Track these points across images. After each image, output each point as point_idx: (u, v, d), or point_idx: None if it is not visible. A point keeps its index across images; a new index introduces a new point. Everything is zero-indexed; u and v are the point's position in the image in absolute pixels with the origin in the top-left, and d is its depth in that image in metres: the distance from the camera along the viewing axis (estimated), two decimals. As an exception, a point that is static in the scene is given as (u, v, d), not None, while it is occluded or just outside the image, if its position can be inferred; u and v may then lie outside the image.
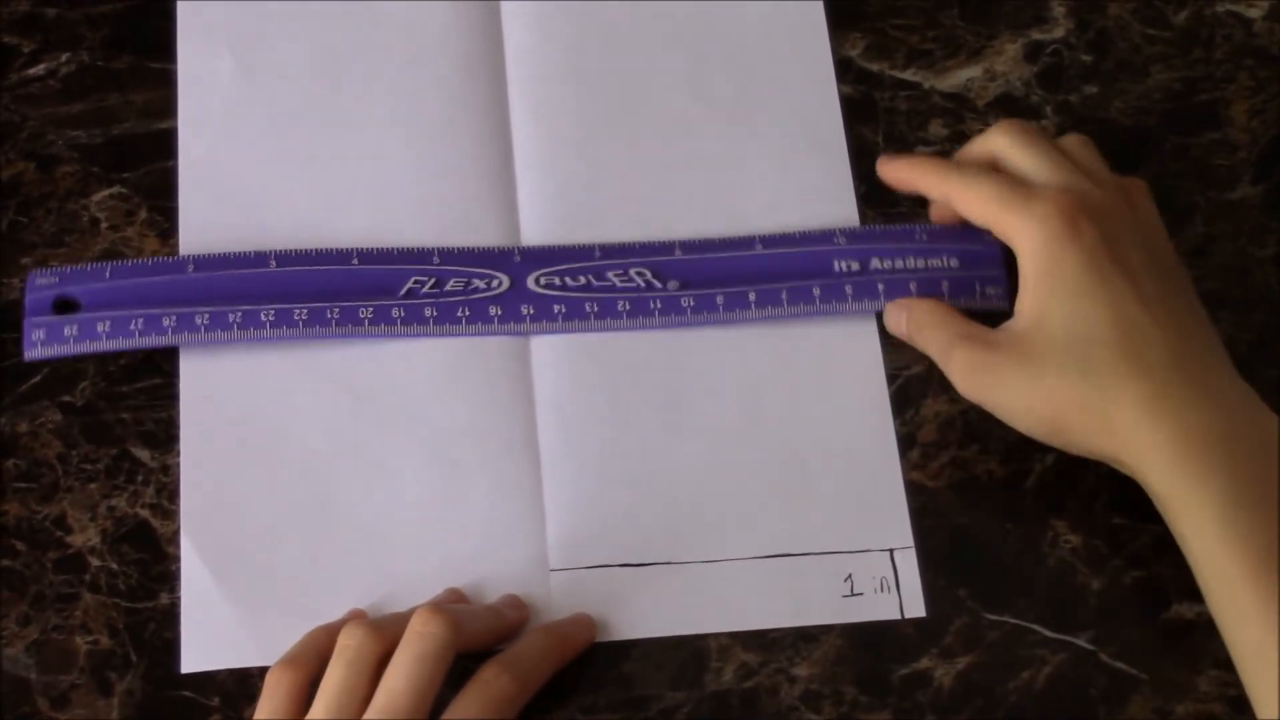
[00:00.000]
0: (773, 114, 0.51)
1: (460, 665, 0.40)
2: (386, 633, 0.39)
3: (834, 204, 0.50)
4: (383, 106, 0.51)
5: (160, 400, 0.47)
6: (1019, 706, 0.43)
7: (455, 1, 0.52)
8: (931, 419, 0.47)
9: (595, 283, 0.46)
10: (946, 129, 0.51)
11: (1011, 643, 0.44)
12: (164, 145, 0.50)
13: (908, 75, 0.52)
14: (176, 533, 0.45)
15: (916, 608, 0.44)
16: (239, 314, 0.46)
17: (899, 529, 0.45)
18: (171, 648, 0.44)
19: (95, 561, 0.45)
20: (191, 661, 0.43)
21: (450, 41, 0.52)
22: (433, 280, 0.46)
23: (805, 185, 0.50)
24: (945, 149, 0.51)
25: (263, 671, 0.41)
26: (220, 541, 0.45)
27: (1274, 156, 0.51)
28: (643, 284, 0.46)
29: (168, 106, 0.51)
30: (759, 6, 0.53)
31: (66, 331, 0.46)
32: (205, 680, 0.43)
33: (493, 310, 0.46)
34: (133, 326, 0.46)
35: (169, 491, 0.45)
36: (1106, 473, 0.44)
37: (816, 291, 0.47)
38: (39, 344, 0.46)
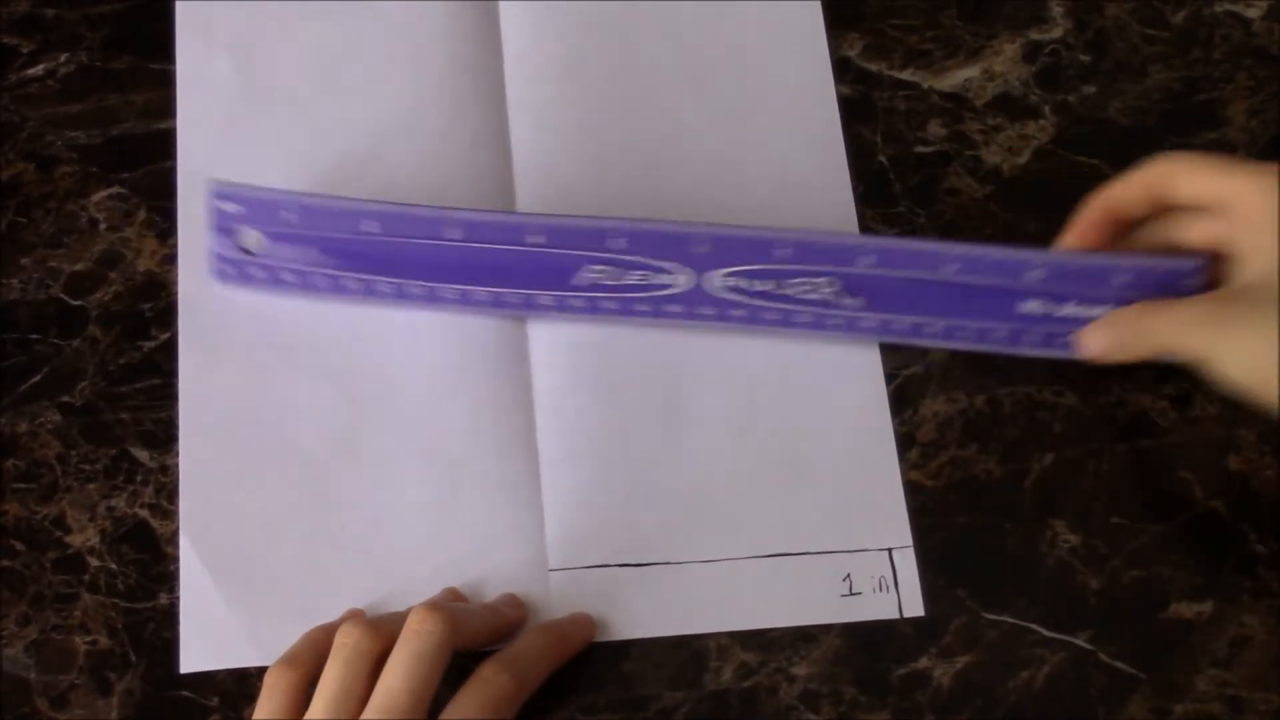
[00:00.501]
0: (771, 114, 0.51)
1: (460, 664, 0.40)
2: (384, 631, 0.39)
3: (832, 204, 0.50)
4: (381, 107, 0.51)
5: (160, 400, 0.47)
6: (1018, 706, 0.43)
7: (454, 1, 0.52)
8: (930, 419, 0.47)
9: (776, 292, 0.45)
10: (945, 129, 0.51)
11: (1010, 642, 0.44)
12: (163, 145, 0.50)
13: (906, 75, 0.52)
14: (176, 533, 0.45)
15: (915, 607, 0.44)
16: (423, 289, 0.45)
17: (897, 528, 0.45)
18: (171, 648, 0.44)
19: (94, 562, 0.45)
20: (190, 661, 0.43)
21: (449, 41, 0.52)
22: (611, 270, 0.45)
23: (804, 185, 0.50)
24: (944, 149, 0.51)
25: (262, 671, 0.41)
26: (219, 541, 0.45)
27: (1273, 156, 0.51)
28: (826, 297, 0.45)
29: (167, 107, 0.51)
30: (757, 6, 0.53)
31: (254, 273, 0.46)
32: (204, 680, 0.43)
33: (673, 309, 0.46)
34: (319, 284, 0.46)
35: (168, 492, 0.45)
36: (1106, 472, 0.44)
37: (1004, 333, 0.45)
38: (228, 276, 0.46)
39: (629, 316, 0.46)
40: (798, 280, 0.44)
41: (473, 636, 0.41)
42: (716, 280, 0.44)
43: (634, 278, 0.44)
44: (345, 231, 0.44)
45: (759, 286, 0.44)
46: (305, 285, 0.46)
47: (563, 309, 0.46)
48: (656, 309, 0.45)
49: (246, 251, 0.45)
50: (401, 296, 0.46)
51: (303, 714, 0.39)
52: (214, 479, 0.46)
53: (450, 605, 0.40)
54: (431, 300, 0.46)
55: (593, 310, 0.46)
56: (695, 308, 0.45)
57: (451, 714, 0.38)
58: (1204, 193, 0.42)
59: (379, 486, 0.46)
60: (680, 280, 0.44)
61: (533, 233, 0.44)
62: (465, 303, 0.46)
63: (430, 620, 0.38)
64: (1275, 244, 0.39)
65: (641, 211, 0.49)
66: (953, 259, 0.44)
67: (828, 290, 0.44)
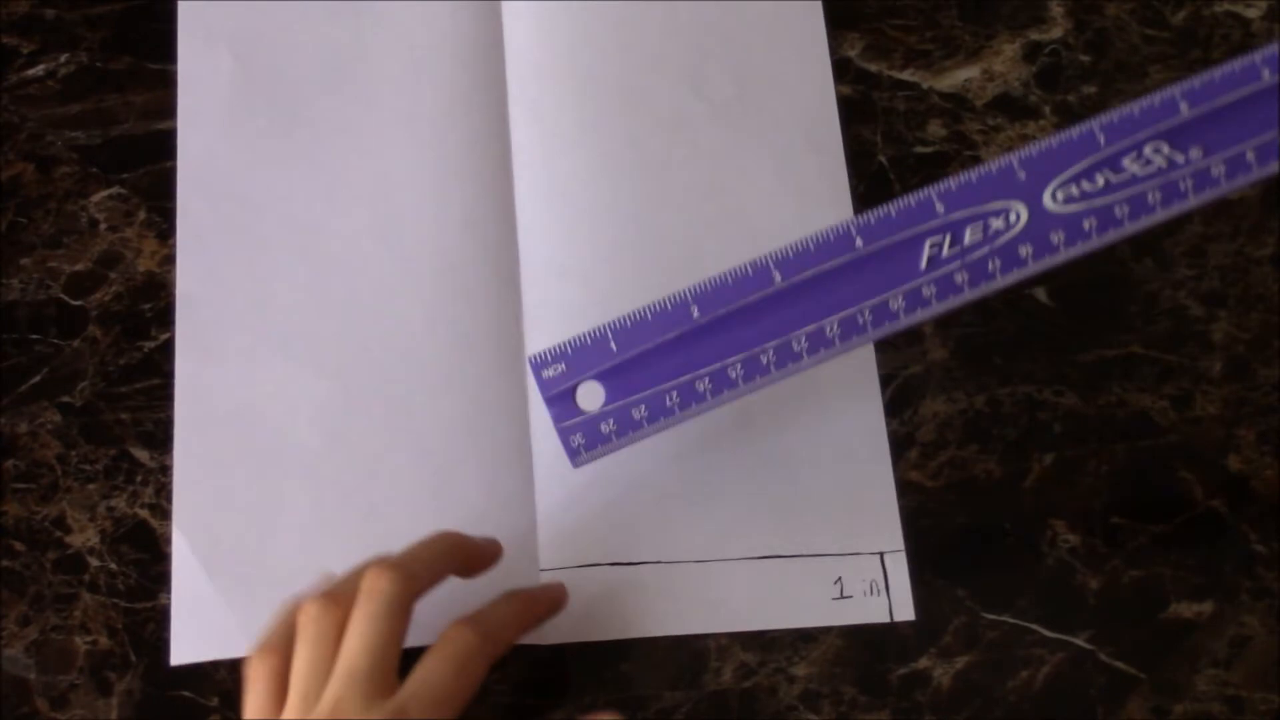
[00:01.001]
0: (771, 114, 0.51)
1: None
2: (343, 598, 0.38)
3: (832, 204, 0.50)
4: (383, 106, 0.51)
5: (159, 400, 0.47)
6: (1017, 706, 0.43)
7: (455, 1, 0.52)
8: (930, 419, 0.47)
9: (1114, 179, 0.40)
10: (945, 129, 0.51)
11: (1010, 642, 0.44)
12: (163, 146, 0.50)
13: (906, 75, 0.52)
14: (175, 533, 0.45)
15: (906, 611, 0.44)
16: (769, 352, 0.41)
17: (889, 532, 0.45)
18: (170, 647, 0.44)
19: (94, 562, 0.45)
20: (181, 654, 0.43)
21: (450, 41, 0.52)
22: (948, 237, 0.40)
23: (803, 185, 0.50)
24: (943, 149, 0.51)
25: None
26: (212, 535, 0.45)
27: (1272, 156, 0.51)
28: (1164, 164, 0.40)
29: (167, 107, 0.51)
30: (758, 6, 0.53)
31: (604, 428, 0.42)
32: (204, 680, 0.43)
33: (1023, 251, 0.41)
34: (669, 402, 0.41)
35: (168, 492, 0.45)
36: (1105, 472, 0.44)
37: None
38: (582, 450, 0.42)
39: (986, 282, 0.40)
40: (1128, 157, 0.40)
41: (432, 580, 0.40)
42: (1050, 199, 0.40)
43: (973, 234, 0.40)
44: (671, 329, 0.41)
45: (1095, 184, 0.40)
46: (659, 411, 0.42)
47: (914, 306, 0.41)
48: (1008, 258, 0.40)
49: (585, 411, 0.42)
50: (754, 372, 0.42)
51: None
52: (208, 475, 0.46)
53: (403, 557, 0.40)
54: (784, 362, 0.41)
55: (946, 293, 0.41)
56: (1046, 236, 0.40)
57: (417, 672, 0.38)
58: None
59: (372, 483, 0.46)
60: (1018, 213, 0.40)
61: (854, 235, 0.40)
62: (818, 346, 0.41)
63: (383, 578, 0.38)
64: None
65: (641, 211, 0.49)
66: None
67: (1159, 156, 0.40)
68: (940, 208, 0.40)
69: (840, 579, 0.45)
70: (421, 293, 0.48)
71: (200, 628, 0.44)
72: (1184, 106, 0.40)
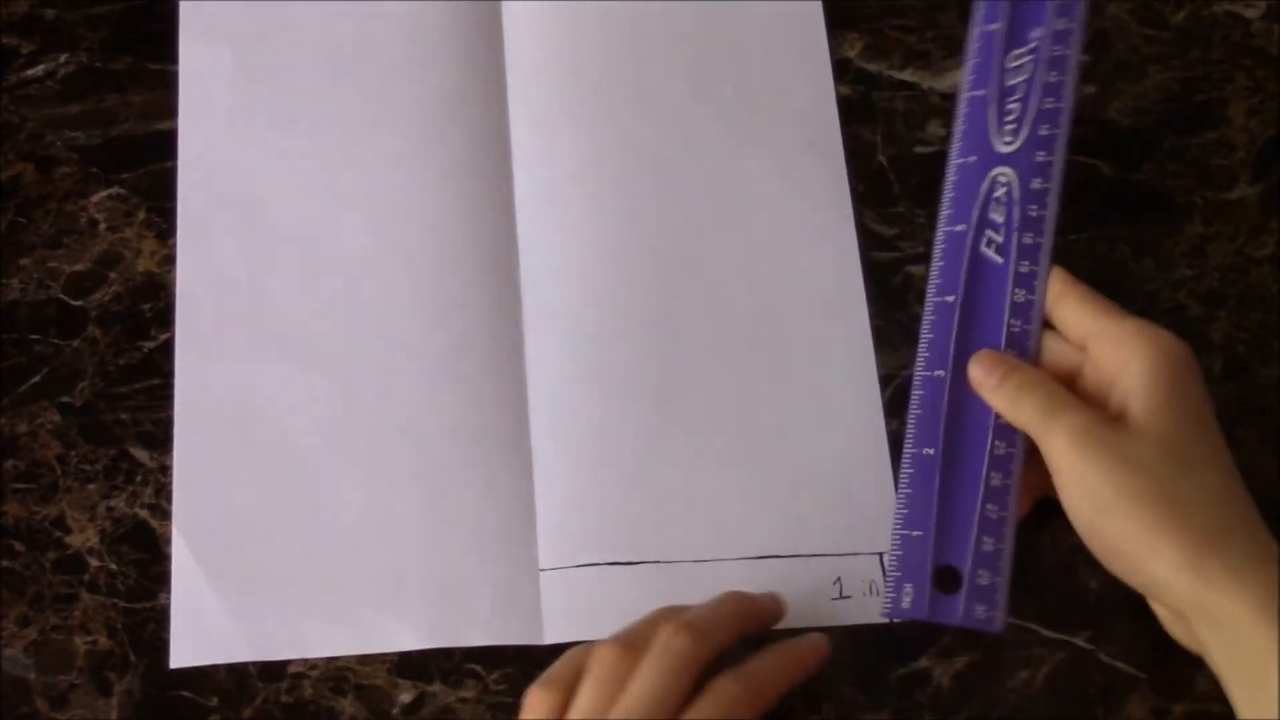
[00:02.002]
0: (771, 114, 0.51)
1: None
2: (637, 648, 0.39)
3: (831, 203, 0.50)
4: (383, 106, 0.51)
5: (159, 401, 0.47)
6: (1017, 706, 0.43)
7: (455, 1, 0.52)
8: (930, 419, 0.47)
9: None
10: (944, 129, 0.51)
11: (1010, 642, 0.44)
12: (163, 146, 0.50)
13: (906, 75, 0.52)
14: (175, 533, 0.45)
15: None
16: None
17: (888, 533, 0.45)
18: (169, 649, 0.44)
19: (94, 562, 0.45)
20: (181, 657, 0.43)
21: (450, 41, 0.52)
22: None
23: (803, 184, 0.50)
24: (943, 149, 0.50)
25: (257, 668, 0.41)
26: (212, 537, 0.45)
27: (1272, 156, 0.51)
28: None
29: (166, 107, 0.51)
30: (758, 7, 0.53)
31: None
32: (204, 680, 0.43)
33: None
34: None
35: (168, 492, 0.45)
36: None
37: None
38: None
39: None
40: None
41: (724, 643, 0.40)
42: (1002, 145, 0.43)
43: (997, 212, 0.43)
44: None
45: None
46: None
47: None
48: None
49: (944, 583, 0.41)
50: None
51: None
52: (208, 473, 0.46)
53: (699, 616, 0.40)
54: None
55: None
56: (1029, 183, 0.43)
57: (687, 714, 0.38)
58: (1080, 326, 0.41)
59: (372, 482, 0.46)
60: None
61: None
62: None
63: (681, 636, 0.38)
64: (1157, 406, 0.38)
65: (639, 210, 0.49)
66: None
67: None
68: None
69: (839, 579, 0.45)
70: (421, 292, 0.48)
71: (200, 630, 0.44)
72: None
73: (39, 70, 0.51)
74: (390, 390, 0.47)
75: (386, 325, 0.48)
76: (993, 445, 0.41)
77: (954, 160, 0.44)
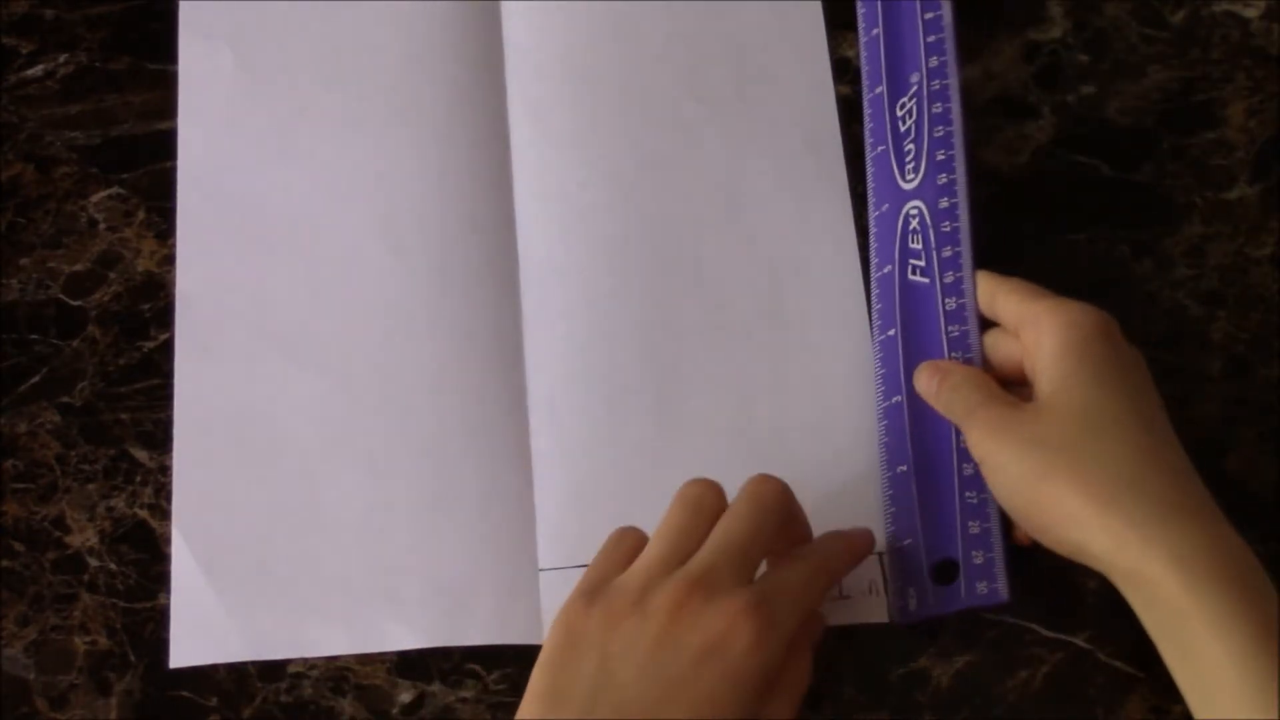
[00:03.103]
0: (770, 113, 0.51)
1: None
2: (724, 491, 0.40)
3: (830, 203, 0.50)
4: (382, 105, 0.51)
5: (158, 401, 0.47)
6: (1017, 706, 0.43)
7: (455, 1, 0.52)
8: (929, 419, 0.47)
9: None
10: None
11: (1009, 642, 0.44)
12: (162, 146, 0.50)
13: (905, 75, 0.52)
14: (175, 533, 0.45)
15: (904, 611, 0.44)
16: None
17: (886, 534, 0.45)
18: (169, 649, 0.44)
19: (94, 562, 0.45)
20: (180, 656, 0.43)
21: (450, 41, 0.52)
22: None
23: (802, 184, 0.50)
24: (943, 149, 0.51)
25: (257, 668, 0.41)
26: (211, 537, 0.45)
27: (1271, 156, 0.51)
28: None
29: (166, 107, 0.51)
30: (757, 6, 0.53)
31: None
32: (203, 680, 0.43)
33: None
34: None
35: (167, 492, 0.45)
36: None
37: None
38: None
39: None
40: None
41: (797, 518, 0.41)
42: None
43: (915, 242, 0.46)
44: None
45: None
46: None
47: None
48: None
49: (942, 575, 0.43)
50: None
51: None
52: (208, 473, 0.46)
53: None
54: None
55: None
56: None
57: (772, 574, 0.39)
58: (1011, 315, 0.42)
59: (372, 482, 0.46)
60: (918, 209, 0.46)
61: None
62: None
63: (769, 483, 0.40)
64: (1062, 379, 0.39)
65: (639, 210, 0.49)
66: None
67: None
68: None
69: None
70: (421, 292, 0.48)
71: (200, 630, 0.44)
72: None
73: (38, 70, 0.51)
74: (390, 390, 0.47)
75: (386, 325, 0.48)
76: (957, 440, 0.43)
77: (871, 214, 0.48)
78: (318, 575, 0.44)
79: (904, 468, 0.44)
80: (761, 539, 0.39)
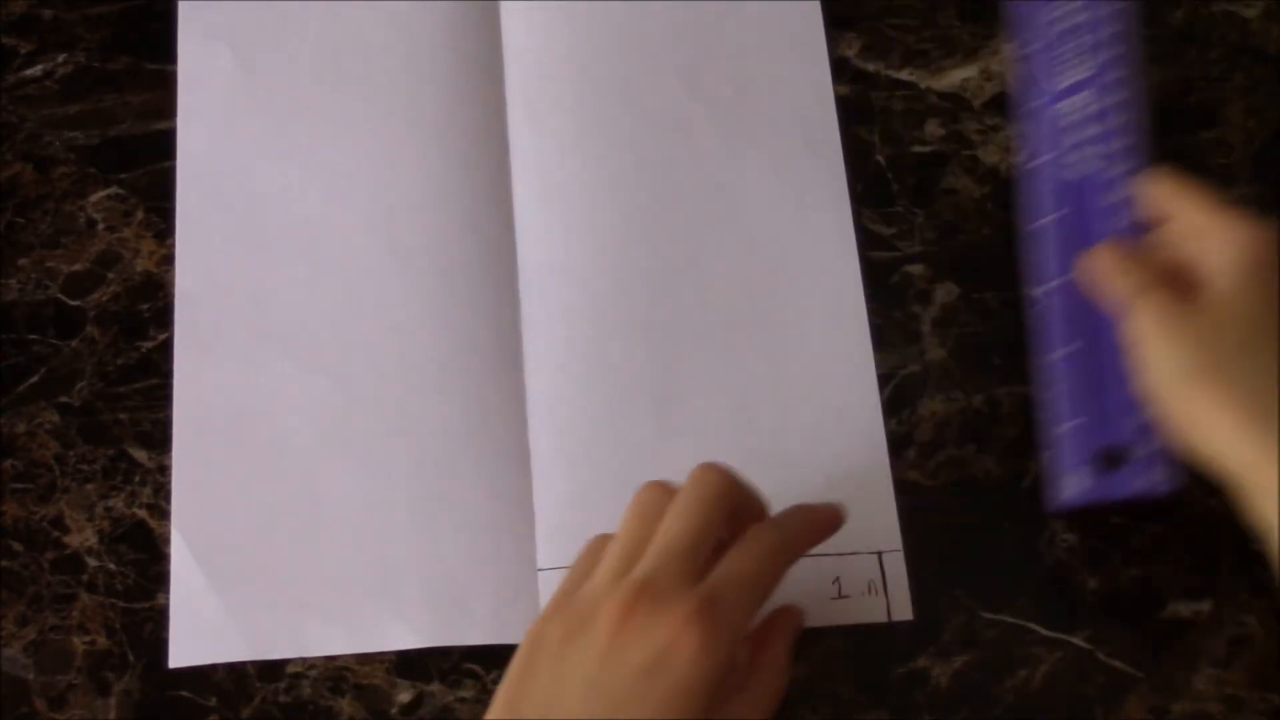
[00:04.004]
0: (769, 113, 0.51)
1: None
2: (675, 487, 0.40)
3: (829, 203, 0.50)
4: (382, 105, 0.51)
5: (157, 401, 0.47)
6: (1016, 706, 0.43)
7: (454, 1, 0.52)
8: (928, 418, 0.47)
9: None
10: (943, 129, 0.51)
11: (1008, 642, 0.44)
12: (161, 146, 0.50)
13: (904, 75, 0.52)
14: (174, 533, 0.45)
15: (904, 611, 0.44)
16: None
17: (888, 533, 0.45)
18: (168, 649, 0.44)
19: (93, 562, 0.45)
20: (180, 656, 0.43)
21: (449, 41, 0.52)
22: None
23: (801, 184, 0.50)
24: (941, 149, 0.51)
25: (256, 668, 0.41)
26: (211, 537, 0.45)
27: (1270, 156, 0.51)
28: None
29: (165, 107, 0.51)
30: (756, 6, 0.53)
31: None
32: (202, 680, 0.43)
33: None
34: None
35: (166, 492, 0.45)
36: (1103, 472, 0.44)
37: None
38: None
39: None
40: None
41: (748, 492, 0.41)
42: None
43: None
44: None
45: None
46: None
47: None
48: None
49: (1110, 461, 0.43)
50: None
51: None
52: (207, 473, 0.46)
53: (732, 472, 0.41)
54: None
55: None
56: None
57: (725, 563, 0.38)
58: (1190, 220, 0.43)
59: (370, 482, 0.46)
60: None
61: None
62: None
63: (712, 470, 0.39)
64: (1238, 293, 0.40)
65: (638, 210, 0.49)
66: None
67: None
68: None
69: (838, 579, 0.45)
70: (420, 292, 0.48)
71: (199, 630, 0.44)
72: None
73: (37, 70, 0.51)
74: (388, 389, 0.47)
75: (385, 325, 0.48)
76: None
77: (1028, 106, 0.47)
78: (317, 575, 0.44)
79: (1075, 346, 0.44)
80: (708, 533, 0.38)
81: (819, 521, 0.42)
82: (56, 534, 0.45)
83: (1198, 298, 0.41)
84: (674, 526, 0.38)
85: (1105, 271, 0.43)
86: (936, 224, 0.50)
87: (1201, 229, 0.42)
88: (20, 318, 0.48)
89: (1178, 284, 0.42)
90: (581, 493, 0.46)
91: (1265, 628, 0.44)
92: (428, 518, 0.45)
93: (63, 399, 0.47)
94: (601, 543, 0.40)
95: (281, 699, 0.43)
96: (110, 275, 0.48)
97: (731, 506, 0.39)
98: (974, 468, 0.46)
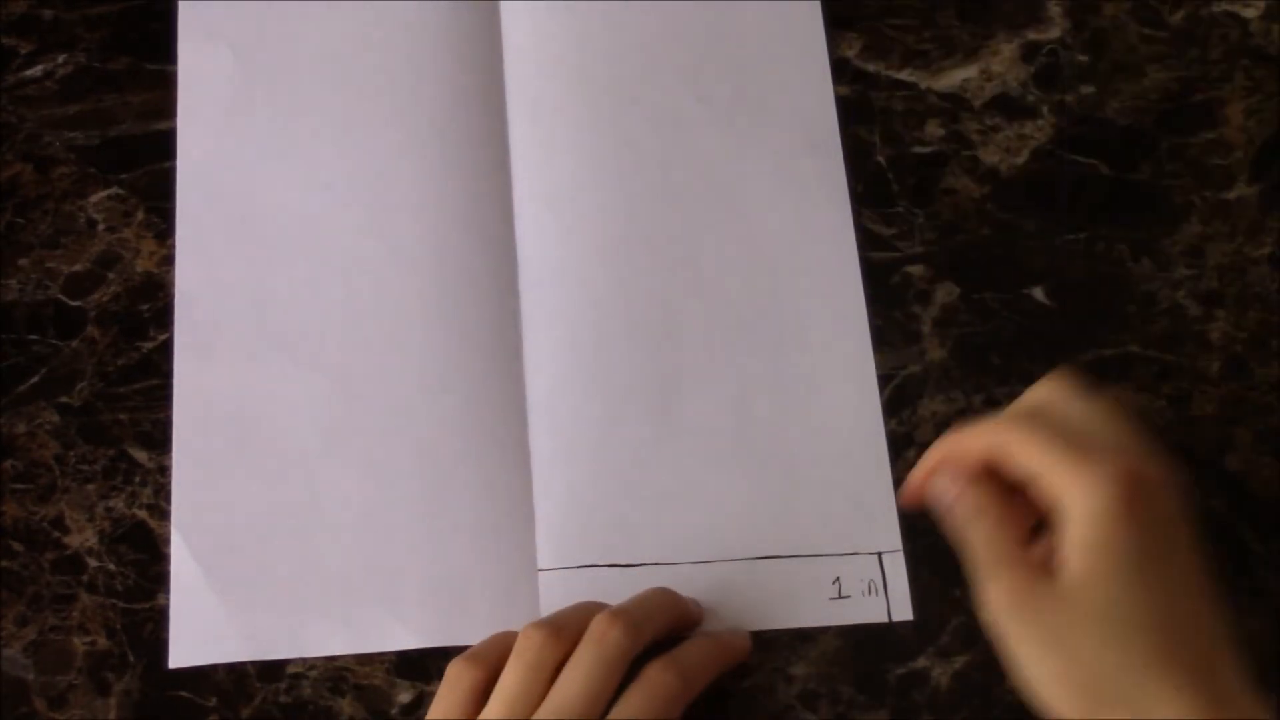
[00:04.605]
0: (769, 114, 0.51)
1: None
2: (566, 636, 0.39)
3: (829, 203, 0.50)
4: (382, 105, 0.51)
5: (157, 401, 0.47)
6: (1016, 706, 0.43)
7: (454, 1, 0.52)
8: (929, 418, 0.47)
9: None
10: (943, 129, 0.51)
11: (1008, 642, 0.44)
12: (161, 146, 0.50)
13: (904, 75, 0.52)
14: (174, 533, 0.45)
15: (904, 611, 0.44)
16: None
17: (888, 533, 0.45)
18: (168, 649, 0.44)
19: (93, 562, 0.45)
20: (179, 656, 0.43)
21: (449, 41, 0.52)
22: None
23: (801, 184, 0.50)
24: (942, 149, 0.51)
25: (256, 668, 0.41)
26: (210, 537, 0.45)
27: (1270, 156, 0.51)
28: None
29: (165, 107, 0.51)
30: (756, 6, 0.53)
31: None
32: (202, 680, 0.43)
33: None
34: None
35: (166, 492, 0.45)
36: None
37: None
38: None
39: None
40: None
41: (653, 635, 0.40)
42: None
43: None
44: None
45: None
46: None
47: None
48: None
49: None
50: None
51: (479, 712, 0.39)
52: (207, 474, 0.46)
53: (630, 608, 0.40)
54: None
55: None
56: None
57: (619, 714, 0.38)
58: (1031, 472, 0.36)
59: (370, 482, 0.46)
60: None
61: None
62: None
63: (615, 628, 0.38)
64: (1088, 568, 0.34)
65: (638, 210, 0.49)
66: None
67: None
68: None
69: (838, 579, 0.45)
70: (420, 292, 0.48)
71: (199, 630, 0.44)
72: None
73: (37, 70, 0.51)
74: (388, 390, 0.47)
75: (385, 325, 0.48)
76: None
77: None
78: (317, 575, 0.44)
79: None
80: (605, 697, 0.38)
81: (722, 653, 0.41)
82: (56, 534, 0.45)
83: (1055, 577, 0.35)
84: (570, 690, 0.37)
85: (947, 505, 0.38)
86: (936, 224, 0.50)
87: (1041, 475, 0.36)
88: (20, 318, 0.48)
89: (1032, 541, 0.36)
90: (581, 493, 0.46)
91: (1265, 628, 0.44)
92: (428, 518, 0.45)
93: (63, 399, 0.47)
94: (465, 675, 0.39)
95: (281, 699, 0.43)
96: (110, 275, 0.48)
97: (628, 663, 0.38)
98: (974, 468, 0.46)
